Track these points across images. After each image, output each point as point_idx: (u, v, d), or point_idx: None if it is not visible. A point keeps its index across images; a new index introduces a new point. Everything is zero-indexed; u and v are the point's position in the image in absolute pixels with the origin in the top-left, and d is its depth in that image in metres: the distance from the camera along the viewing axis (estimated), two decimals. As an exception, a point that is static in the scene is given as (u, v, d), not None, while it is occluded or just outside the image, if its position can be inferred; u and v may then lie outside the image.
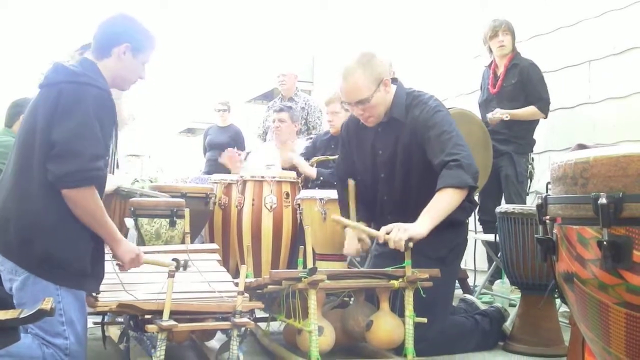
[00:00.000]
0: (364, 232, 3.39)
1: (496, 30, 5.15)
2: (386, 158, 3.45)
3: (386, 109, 3.40)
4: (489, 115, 4.99)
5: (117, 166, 3.12)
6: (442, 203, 3.08)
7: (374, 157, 3.51)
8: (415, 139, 3.32)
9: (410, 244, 2.97)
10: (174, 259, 2.84)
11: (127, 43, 2.78)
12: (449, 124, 3.28)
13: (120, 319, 3.25)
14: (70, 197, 2.54)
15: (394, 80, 3.52)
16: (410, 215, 3.17)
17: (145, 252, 3.13)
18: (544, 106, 5.04)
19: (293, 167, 5.14)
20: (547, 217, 2.20)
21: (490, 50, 5.28)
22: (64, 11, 16.00)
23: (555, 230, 2.16)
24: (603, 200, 1.86)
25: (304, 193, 4.68)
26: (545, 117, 5.09)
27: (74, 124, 2.53)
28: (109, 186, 4.25)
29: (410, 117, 3.36)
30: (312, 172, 5.00)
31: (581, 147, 2.75)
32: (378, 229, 3.35)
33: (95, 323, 3.39)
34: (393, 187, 3.45)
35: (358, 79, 3.28)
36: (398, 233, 2.98)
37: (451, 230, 3.18)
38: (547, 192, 2.31)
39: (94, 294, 2.83)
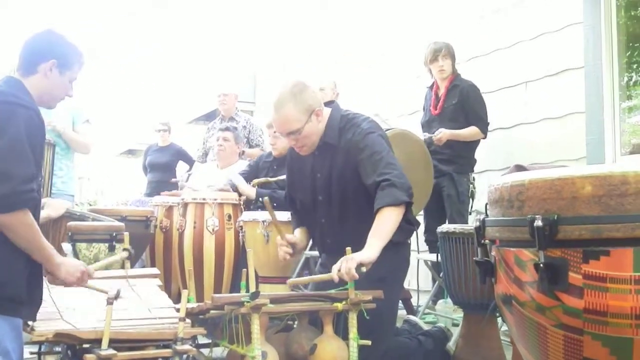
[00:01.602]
0: (318, 280, 3.38)
1: (436, 54, 5.23)
2: (323, 181, 3.46)
3: (320, 135, 3.41)
4: (435, 137, 5.03)
5: (50, 192, 3.05)
6: (384, 224, 3.09)
7: (313, 180, 3.52)
8: (349, 162, 3.34)
9: (363, 269, 2.95)
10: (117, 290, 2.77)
11: (54, 59, 2.71)
12: (380, 145, 3.31)
13: (57, 349, 3.16)
14: (4, 222, 2.44)
15: (331, 103, 3.54)
16: (348, 237, 3.19)
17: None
18: (483, 126, 5.13)
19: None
20: (486, 239, 2.23)
21: (431, 72, 5.36)
22: (63, 13, 15.77)
23: (493, 253, 2.19)
24: (539, 223, 1.89)
25: (246, 215, 4.65)
26: (485, 138, 5.18)
27: (3, 145, 2.45)
28: (58, 211, 4.15)
29: (343, 141, 3.38)
30: (251, 192, 4.96)
31: (519, 168, 2.80)
32: (319, 252, 3.36)
33: (31, 353, 3.29)
34: (330, 210, 3.45)
35: (289, 112, 3.29)
36: (347, 264, 2.96)
37: (390, 250, 3.20)
38: (485, 213, 2.34)
39: (30, 323, 2.75)
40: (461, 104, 5.15)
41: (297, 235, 3.60)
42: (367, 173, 3.25)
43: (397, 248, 3.38)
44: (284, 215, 4.10)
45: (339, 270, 2.98)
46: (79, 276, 2.68)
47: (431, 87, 5.44)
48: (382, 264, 3.15)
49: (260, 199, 4.88)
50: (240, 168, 5.48)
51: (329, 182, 3.44)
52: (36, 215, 2.57)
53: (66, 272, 2.65)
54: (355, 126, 3.39)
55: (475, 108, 5.13)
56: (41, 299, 2.69)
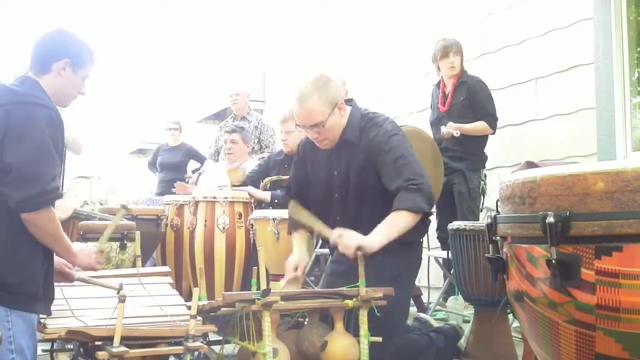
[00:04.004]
0: (319, 229, 3.37)
1: (447, 51, 5.23)
2: (341, 179, 3.44)
3: (341, 130, 3.39)
4: (443, 130, 5.03)
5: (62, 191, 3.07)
6: (397, 224, 3.09)
7: (329, 177, 3.49)
8: (370, 162, 3.31)
9: (359, 253, 2.98)
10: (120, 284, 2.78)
11: (67, 58, 2.72)
12: (406, 149, 3.29)
13: (70, 346, 3.18)
14: (32, 220, 2.49)
15: (349, 102, 3.53)
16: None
17: (96, 277, 3.08)
18: (492, 122, 5.12)
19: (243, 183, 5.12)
20: (497, 235, 2.22)
21: (439, 69, 5.35)
22: (67, 11, 15.85)
23: (505, 249, 2.18)
24: (551, 219, 1.89)
25: (257, 213, 4.66)
26: (493, 133, 5.17)
27: (30, 146, 2.48)
28: (66, 212, 4.17)
29: (364, 140, 3.35)
30: (266, 196, 4.98)
31: (529, 164, 2.80)
32: (330, 249, 3.36)
33: (44, 350, 3.31)
34: (346, 208, 3.43)
35: (313, 104, 3.27)
36: (349, 238, 3.01)
37: (404, 249, 3.20)
38: (497, 210, 2.34)
39: (42, 321, 2.77)
40: (469, 101, 5.14)
41: (297, 247, 3.53)
42: (391, 176, 3.22)
43: (410, 247, 3.38)
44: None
45: (340, 237, 3.03)
46: (93, 259, 2.80)
47: (438, 85, 5.43)
48: (396, 262, 3.17)
49: (276, 200, 4.89)
50: (250, 167, 5.49)
51: (346, 180, 3.41)
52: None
53: (82, 257, 2.75)
54: (377, 126, 3.36)
55: (483, 103, 5.12)
56: (54, 294, 2.72)
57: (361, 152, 3.35)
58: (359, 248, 2.97)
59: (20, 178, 2.44)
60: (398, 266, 3.26)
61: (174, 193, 5.63)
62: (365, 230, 3.24)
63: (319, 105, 3.27)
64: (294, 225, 3.57)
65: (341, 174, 3.44)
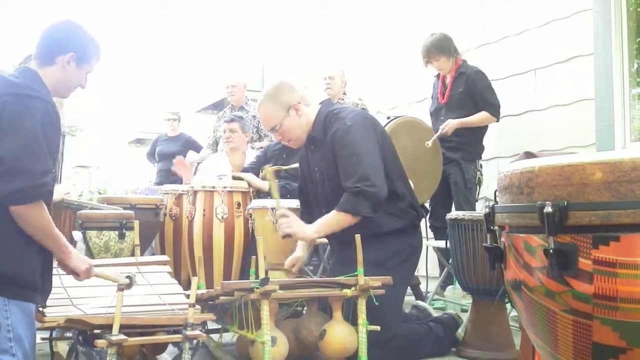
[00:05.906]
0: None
1: (425, 60, 5.26)
2: (319, 175, 3.60)
3: (307, 130, 3.57)
4: (442, 131, 5.00)
5: (59, 180, 3.03)
6: (334, 222, 3.34)
7: (313, 173, 3.66)
8: (335, 157, 3.44)
9: (288, 238, 3.42)
10: (127, 276, 2.76)
11: (73, 52, 2.69)
12: (361, 143, 3.38)
13: (69, 334, 3.19)
14: (20, 214, 2.47)
15: (323, 102, 3.70)
16: (349, 228, 3.28)
17: (94, 265, 3.09)
18: (494, 110, 5.10)
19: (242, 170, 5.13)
20: (495, 225, 2.23)
21: None
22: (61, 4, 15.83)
23: (502, 239, 2.19)
24: (548, 209, 1.89)
25: (256, 203, 4.67)
26: (498, 121, 5.16)
27: (22, 139, 2.45)
28: (55, 196, 4.16)
29: (329, 135, 3.48)
30: (263, 185, 4.98)
31: (528, 155, 2.79)
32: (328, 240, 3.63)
33: (43, 339, 3.31)
34: (328, 202, 3.52)
35: (266, 110, 3.58)
36: (286, 222, 3.39)
37: (386, 236, 3.37)
38: (495, 200, 2.34)
39: (41, 310, 2.77)
40: (468, 92, 5.13)
41: (300, 246, 3.81)
42: (344, 173, 3.36)
43: (395, 235, 3.42)
44: (292, 203, 4.14)
45: (283, 216, 3.46)
46: (87, 267, 2.70)
47: (438, 76, 5.43)
48: (381, 248, 3.33)
49: (261, 169, 4.88)
50: (249, 158, 5.50)
51: (323, 175, 3.56)
52: (49, 207, 2.59)
53: (75, 262, 2.67)
54: (339, 120, 3.48)
55: (483, 93, 5.11)
56: (51, 286, 2.71)
57: (327, 147, 3.48)
58: (288, 234, 3.37)
59: (10, 171, 2.41)
60: (382, 252, 3.36)
61: (173, 182, 5.63)
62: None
63: (271, 110, 3.55)
64: None
65: (319, 170, 3.59)
